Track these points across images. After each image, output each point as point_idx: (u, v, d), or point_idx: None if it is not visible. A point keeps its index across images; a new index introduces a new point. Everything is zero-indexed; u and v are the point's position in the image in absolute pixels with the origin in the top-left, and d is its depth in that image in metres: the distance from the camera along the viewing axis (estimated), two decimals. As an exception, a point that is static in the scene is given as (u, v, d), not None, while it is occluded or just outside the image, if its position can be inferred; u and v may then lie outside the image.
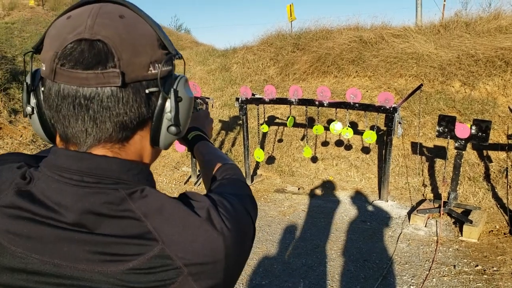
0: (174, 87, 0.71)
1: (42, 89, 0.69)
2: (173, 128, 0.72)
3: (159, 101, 0.70)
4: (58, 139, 0.72)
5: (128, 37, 0.66)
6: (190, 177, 6.39)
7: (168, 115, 0.71)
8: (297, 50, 9.21)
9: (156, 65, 0.69)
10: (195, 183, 6.21)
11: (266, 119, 7.23)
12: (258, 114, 6.33)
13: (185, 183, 6.26)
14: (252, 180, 6.30)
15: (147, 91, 0.68)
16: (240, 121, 6.16)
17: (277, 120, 7.44)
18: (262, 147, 6.90)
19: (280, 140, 7.06)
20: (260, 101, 5.92)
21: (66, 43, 0.64)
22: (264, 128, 6.03)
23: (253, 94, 6.01)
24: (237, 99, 6.07)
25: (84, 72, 0.63)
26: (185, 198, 0.72)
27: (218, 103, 8.46)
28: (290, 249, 4.19)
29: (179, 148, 6.06)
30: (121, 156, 0.70)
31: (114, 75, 0.63)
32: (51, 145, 0.77)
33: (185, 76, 0.75)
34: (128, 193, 0.66)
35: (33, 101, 0.71)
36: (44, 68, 0.66)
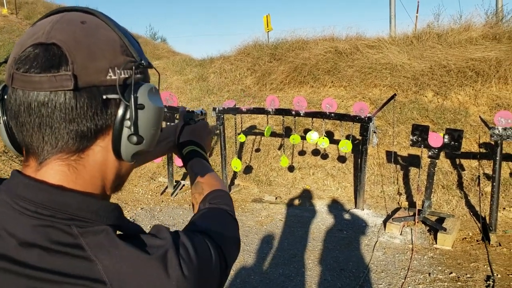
0: (135, 94, 0.67)
1: (6, 97, 0.67)
2: (133, 138, 0.67)
3: (120, 109, 0.66)
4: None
5: (86, 41, 0.64)
6: (166, 187, 6.32)
7: (127, 122, 0.67)
8: (274, 60, 9.27)
9: (117, 71, 0.66)
10: (172, 194, 6.15)
11: (243, 129, 7.23)
12: (235, 123, 6.34)
13: (161, 194, 6.19)
14: (229, 190, 6.27)
15: (104, 97, 0.65)
16: (217, 131, 6.15)
17: (254, 130, 7.46)
18: (240, 157, 6.90)
19: (258, 150, 7.07)
20: (237, 111, 5.93)
21: (24, 48, 0.63)
22: (241, 137, 6.04)
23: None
24: (214, 109, 6.07)
25: (37, 76, 0.61)
26: (146, 236, 0.67)
27: (195, 113, 8.41)
28: (267, 259, 4.18)
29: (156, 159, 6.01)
30: (78, 169, 0.66)
31: (66, 78, 0.61)
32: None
33: (152, 85, 0.71)
34: (81, 231, 0.61)
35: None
36: (5, 75, 0.65)
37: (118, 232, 0.65)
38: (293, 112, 5.59)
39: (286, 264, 4.08)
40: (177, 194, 6.18)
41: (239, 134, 6.27)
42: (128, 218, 4.81)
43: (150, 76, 0.78)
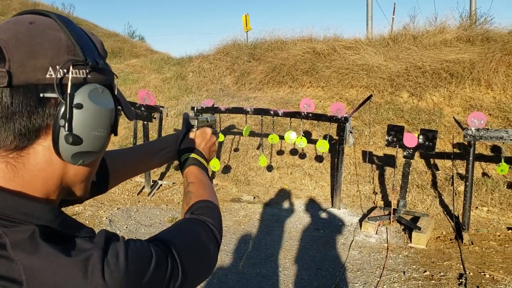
0: (73, 92, 0.66)
1: None
2: (69, 138, 0.66)
3: (60, 108, 0.66)
4: None
5: (28, 40, 0.64)
6: (143, 187, 6.26)
7: (62, 121, 0.66)
8: (253, 60, 9.29)
9: (59, 70, 0.66)
10: (149, 194, 6.09)
11: (222, 129, 7.22)
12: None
13: (138, 194, 6.13)
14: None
15: (41, 95, 0.65)
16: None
17: (233, 130, 7.45)
18: (218, 157, 6.88)
19: (236, 149, 7.07)
20: (215, 110, 5.91)
21: None
22: (220, 137, 6.02)
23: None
24: (192, 108, 6.04)
25: None
26: (82, 239, 0.65)
27: (173, 112, 8.37)
28: (244, 259, 4.18)
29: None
30: (17, 168, 0.65)
31: (1, 75, 0.62)
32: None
33: (96, 85, 0.70)
34: (6, 231, 0.60)
35: None
36: None
37: (52, 234, 0.63)
38: (272, 112, 5.61)
39: (263, 263, 4.09)
40: (154, 194, 6.13)
41: (217, 133, 6.25)
42: (105, 218, 4.73)
43: (117, 77, 0.79)
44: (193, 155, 1.14)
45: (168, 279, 0.70)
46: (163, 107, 5.95)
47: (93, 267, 0.61)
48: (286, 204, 5.77)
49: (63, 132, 0.66)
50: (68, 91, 0.66)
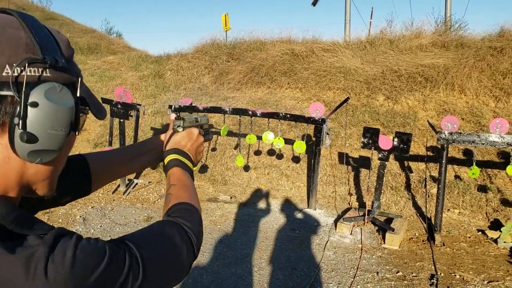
0: (26, 90, 0.66)
1: None
2: (23, 136, 0.66)
3: (16, 107, 0.66)
4: None
5: None
6: (118, 186, 6.18)
7: (16, 119, 0.66)
8: (231, 60, 9.28)
9: (16, 68, 0.66)
10: (124, 193, 6.02)
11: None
12: (191, 122, 6.28)
13: (113, 193, 6.05)
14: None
15: None
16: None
17: (211, 129, 7.42)
18: (195, 156, 6.83)
19: (214, 149, 7.05)
20: (193, 109, 5.88)
21: None
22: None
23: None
24: (170, 107, 6.00)
25: None
26: (33, 236, 0.65)
27: (150, 110, 8.29)
28: (220, 259, 4.18)
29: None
30: None
31: None
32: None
33: (54, 84, 0.70)
34: None
35: None
36: None
37: (1, 231, 0.63)
38: (250, 112, 5.62)
39: (239, 263, 4.09)
40: (129, 193, 6.06)
41: (210, 133, 6.22)
42: (78, 216, 4.64)
43: (83, 76, 0.78)
44: (176, 156, 1.12)
45: (124, 279, 0.69)
46: (140, 105, 5.89)
47: (36, 263, 0.60)
48: (262, 204, 5.79)
49: (18, 130, 0.66)
50: (23, 89, 0.66)
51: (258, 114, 5.58)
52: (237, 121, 6.42)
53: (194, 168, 1.23)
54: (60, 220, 5.02)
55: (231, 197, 6.00)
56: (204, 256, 4.22)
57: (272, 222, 5.18)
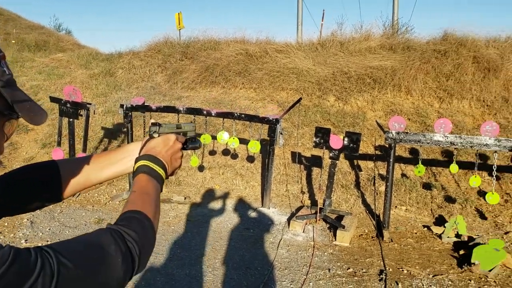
0: None
1: None
2: None
3: None
4: None
5: None
6: (68, 188, 5.99)
7: None
8: (185, 59, 9.21)
9: None
10: (74, 194, 5.84)
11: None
12: (144, 122, 6.19)
13: (62, 195, 5.86)
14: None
15: None
16: (125, 129, 5.96)
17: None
18: (148, 156, 6.74)
19: (167, 149, 6.97)
20: (146, 109, 5.80)
21: None
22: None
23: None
24: (121, 106, 5.88)
25: None
26: None
27: (100, 110, 8.09)
28: (174, 260, 4.15)
29: (55, 156, 5.68)
30: None
31: None
32: None
33: None
34: None
35: None
36: None
37: None
38: (205, 112, 5.60)
39: (193, 264, 4.09)
40: (79, 194, 5.89)
41: (148, 133, 6.14)
42: (26, 219, 4.46)
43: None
44: (146, 162, 1.07)
45: (32, 285, 0.67)
46: (90, 104, 5.73)
47: None
48: (217, 204, 5.79)
49: None
50: None
51: (212, 114, 5.58)
52: (191, 120, 6.38)
53: (173, 175, 1.20)
54: (6, 224, 4.81)
55: (185, 198, 5.97)
56: (157, 258, 4.18)
57: (226, 222, 5.20)
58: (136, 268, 0.83)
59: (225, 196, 6.04)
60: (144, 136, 6.26)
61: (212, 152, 6.82)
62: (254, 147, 5.40)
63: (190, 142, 1.30)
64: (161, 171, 1.08)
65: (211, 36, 9.82)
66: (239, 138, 5.67)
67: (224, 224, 5.15)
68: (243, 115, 5.50)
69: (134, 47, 10.48)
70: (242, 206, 5.74)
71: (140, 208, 0.93)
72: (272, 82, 7.73)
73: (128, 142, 5.92)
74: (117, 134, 7.54)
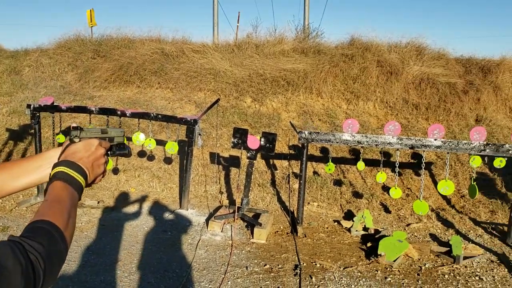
0: None
1: None
2: None
3: None
4: None
5: None
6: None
7: None
8: (98, 57, 8.86)
9: None
10: (-26, 202, 5.41)
11: (62, 129, 6.74)
12: (53, 123, 5.89)
13: (-40, 203, 5.39)
14: (44, 195, 5.80)
15: None
16: (32, 131, 5.63)
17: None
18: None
19: (79, 152, 6.68)
20: (56, 109, 5.52)
21: None
22: (61, 138, 5.64)
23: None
24: (28, 106, 5.54)
25: None
26: None
27: (5, 110, 7.53)
28: (87, 267, 4.01)
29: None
30: None
31: None
32: None
33: None
34: None
35: None
36: None
37: None
38: (119, 112, 5.46)
39: (108, 270, 3.98)
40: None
41: (57, 134, 5.85)
42: None
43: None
44: (63, 168, 1.00)
45: None
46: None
47: None
48: (132, 208, 5.67)
49: None
50: None
51: (127, 114, 5.45)
52: (104, 121, 6.18)
53: (96, 182, 1.15)
54: None
55: (98, 202, 5.77)
56: (69, 265, 4.01)
57: (143, 226, 5.11)
58: (41, 281, 0.79)
59: (141, 199, 5.92)
60: (53, 138, 5.95)
61: (127, 154, 6.65)
62: (172, 149, 5.36)
63: (117, 148, 1.25)
64: (80, 178, 1.03)
65: (125, 34, 9.56)
66: (155, 140, 5.60)
67: (140, 227, 5.05)
68: (160, 116, 5.44)
69: (42, 44, 9.88)
70: (159, 208, 5.67)
71: (49, 218, 0.88)
72: (190, 82, 7.72)
73: (36, 144, 5.59)
74: (24, 136, 7.07)
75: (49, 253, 0.81)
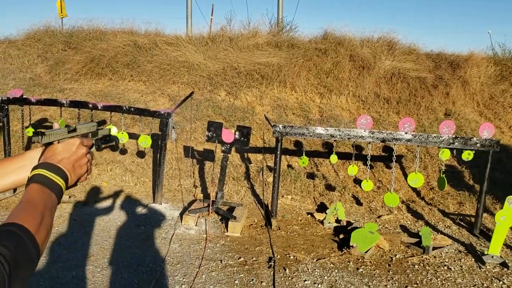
0: None
1: None
2: None
3: None
4: None
5: None
6: None
7: None
8: (68, 49, 8.67)
9: None
10: None
11: (32, 122, 6.59)
12: (22, 116, 5.74)
13: None
14: (14, 191, 5.66)
15: None
16: (0, 124, 5.48)
17: (45, 123, 6.86)
18: (27, 153, 6.26)
19: (49, 145, 6.54)
20: (25, 102, 5.39)
21: None
22: (30, 131, 5.52)
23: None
24: (-6, 100, 5.39)
25: None
26: None
27: (-31, 103, 7.29)
28: (58, 262, 3.95)
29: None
30: None
31: None
32: None
33: None
34: None
35: None
36: None
37: None
38: (90, 105, 5.37)
39: (80, 265, 3.93)
40: None
41: (27, 127, 5.71)
42: None
43: None
44: (41, 171, 0.98)
45: None
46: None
47: None
48: (105, 203, 5.60)
49: None
50: None
51: (99, 107, 5.36)
52: (75, 114, 6.06)
53: (80, 182, 1.11)
54: None
55: (69, 196, 5.67)
56: (40, 261, 3.94)
57: (115, 220, 5.06)
58: (6, 285, 0.76)
59: (114, 194, 5.85)
60: (22, 132, 5.81)
61: (115, 146, 6.56)
62: (145, 142, 5.31)
63: (103, 142, 1.21)
64: (59, 180, 1.00)
65: (96, 25, 9.38)
66: (128, 133, 5.53)
67: (113, 222, 5.00)
68: (132, 109, 5.38)
69: (10, 34, 9.59)
70: (132, 203, 5.62)
71: (20, 221, 0.86)
72: (163, 75, 7.64)
73: (4, 138, 5.45)
74: (-10, 129, 6.88)
75: (16, 257, 0.79)
